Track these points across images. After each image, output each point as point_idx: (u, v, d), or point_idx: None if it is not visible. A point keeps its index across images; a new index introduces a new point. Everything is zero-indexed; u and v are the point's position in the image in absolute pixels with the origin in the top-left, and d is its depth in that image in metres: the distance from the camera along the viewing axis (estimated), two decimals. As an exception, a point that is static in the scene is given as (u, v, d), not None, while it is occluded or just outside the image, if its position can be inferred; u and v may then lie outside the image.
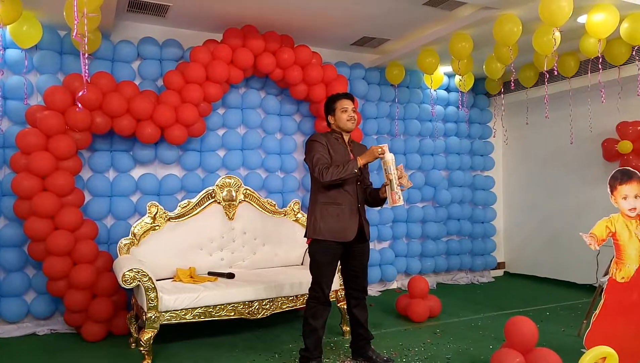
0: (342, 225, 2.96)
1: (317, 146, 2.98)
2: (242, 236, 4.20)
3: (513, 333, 2.89)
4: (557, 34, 3.66)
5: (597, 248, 3.21)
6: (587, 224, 3.34)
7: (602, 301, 3.08)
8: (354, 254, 3.09)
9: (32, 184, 3.55)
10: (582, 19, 3.91)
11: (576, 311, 4.46)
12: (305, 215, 4.35)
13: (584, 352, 2.56)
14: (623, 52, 4.28)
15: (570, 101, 5.18)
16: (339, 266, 3.44)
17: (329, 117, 3.13)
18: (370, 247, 5.35)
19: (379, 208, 5.19)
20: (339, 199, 2.97)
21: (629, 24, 3.82)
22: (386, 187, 2.98)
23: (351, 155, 3.07)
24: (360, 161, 2.90)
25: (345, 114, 3.05)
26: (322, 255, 2.98)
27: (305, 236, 3.11)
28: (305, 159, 3.08)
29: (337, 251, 3.00)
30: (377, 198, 3.11)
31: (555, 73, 4.22)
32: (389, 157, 2.93)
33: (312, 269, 3.04)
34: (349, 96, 3.12)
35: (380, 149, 2.90)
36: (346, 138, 3.13)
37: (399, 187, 2.93)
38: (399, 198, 2.92)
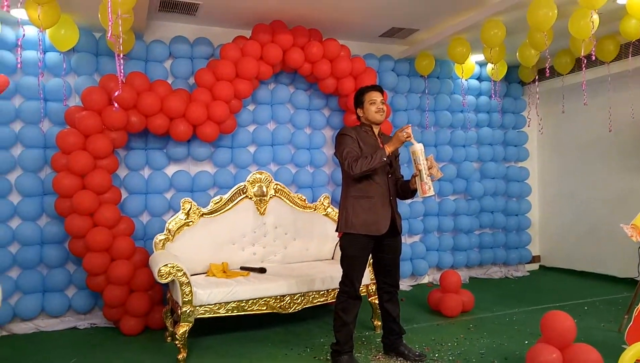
0: (374, 218, 2.95)
1: (346, 140, 2.98)
2: (273, 231, 4.24)
3: (549, 328, 2.82)
4: (595, 17, 3.51)
5: (639, 239, 3.10)
6: (628, 215, 3.22)
7: (644, 296, 2.97)
8: (386, 248, 3.08)
9: (72, 183, 3.68)
10: (622, 0, 3.74)
11: (616, 306, 4.32)
12: (336, 209, 4.36)
13: (625, 348, 2.47)
14: (666, 34, 4.07)
15: (609, 86, 4.98)
16: (370, 260, 3.45)
17: (358, 110, 3.12)
18: (402, 241, 5.36)
19: (411, 200, 5.15)
20: (371, 192, 2.97)
21: (674, 4, 3.63)
22: (416, 178, 2.95)
23: (381, 145, 3.05)
24: (388, 149, 2.88)
25: (373, 106, 3.04)
26: (353, 248, 2.98)
27: (336, 230, 3.11)
28: (335, 154, 3.08)
29: (369, 245, 3.00)
30: (407, 189, 3.10)
31: (593, 58, 4.07)
32: (418, 147, 2.91)
33: (343, 263, 3.05)
34: (377, 88, 3.11)
35: (405, 133, 2.86)
36: (376, 130, 3.12)
37: (429, 177, 2.90)
38: (429, 188, 2.89)
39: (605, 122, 5.08)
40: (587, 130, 5.65)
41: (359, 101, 3.11)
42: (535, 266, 6.26)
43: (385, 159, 2.86)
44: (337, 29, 4.69)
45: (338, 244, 3.10)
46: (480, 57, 5.21)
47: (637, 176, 4.99)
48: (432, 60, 5.19)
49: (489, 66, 5.44)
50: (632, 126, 5.03)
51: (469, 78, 5.63)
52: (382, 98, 3.07)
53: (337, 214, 3.15)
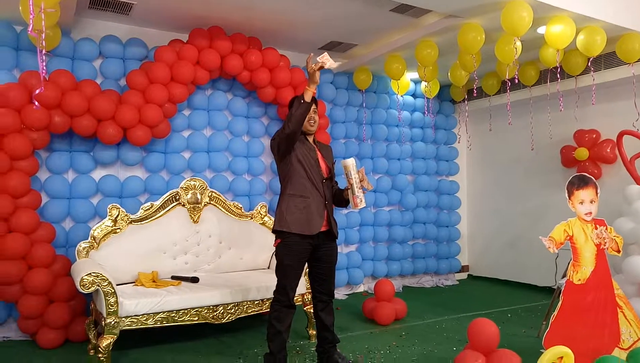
0: (307, 217, 2.94)
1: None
2: (207, 239, 4.13)
3: (475, 334, 2.95)
4: (518, 44, 3.78)
5: (556, 251, 3.32)
6: (547, 227, 3.44)
7: (560, 302, 3.18)
8: (322, 256, 3.08)
9: (-16, 185, 3.39)
10: (541, 30, 4.05)
11: (536, 313, 4.60)
12: (272, 219, 4.32)
13: (543, 352, 2.63)
14: (579, 62, 4.46)
15: (531, 108, 5.36)
16: (305, 269, 3.43)
17: None
18: (338, 251, 5.39)
19: (347, 210, 5.21)
20: (306, 193, 2.97)
21: (585, 36, 3.98)
22: (348, 191, 3.01)
23: (318, 154, 3.07)
24: (308, 90, 2.87)
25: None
26: (288, 256, 2.96)
27: (272, 230, 3.08)
28: (274, 155, 3.06)
29: (305, 253, 2.99)
30: (341, 199, 3.15)
31: (517, 82, 4.37)
32: (350, 162, 2.98)
33: (278, 271, 3.02)
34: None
35: (315, 64, 2.87)
36: (310, 139, 3.13)
37: (360, 190, 2.96)
38: (361, 201, 2.96)
39: (527, 141, 5.45)
40: (511, 148, 6.02)
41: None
42: (464, 276, 6.54)
43: (308, 100, 2.84)
44: (277, 38, 4.70)
45: (274, 253, 3.06)
46: (415, 75, 5.42)
47: (554, 191, 5.38)
48: (370, 75, 5.34)
49: (423, 84, 5.67)
50: (550, 146, 5.43)
51: (404, 94, 5.85)
52: (315, 108, 3.09)
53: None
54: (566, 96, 4.87)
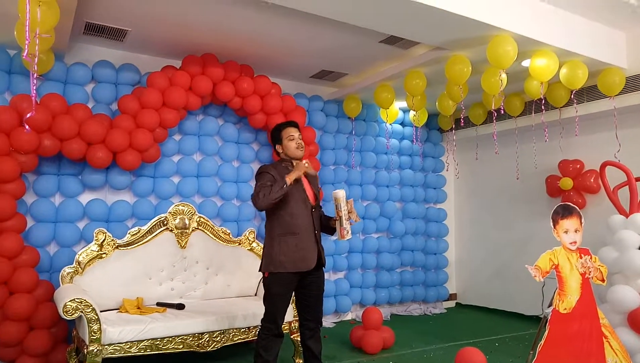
0: (302, 254, 2.93)
1: (264, 177, 2.95)
2: (194, 265, 4.09)
3: (463, 364, 2.93)
4: (504, 76, 3.89)
5: (542, 279, 3.33)
6: (533, 256, 3.47)
7: (546, 332, 3.18)
8: (311, 284, 3.06)
9: (-31, 208, 3.34)
10: (526, 63, 4.18)
11: (524, 342, 4.59)
12: (261, 244, 4.30)
13: (529, 382, 2.62)
14: (563, 95, 4.59)
15: (517, 138, 5.47)
16: (292, 297, 3.40)
17: (277, 147, 3.13)
18: (326, 278, 5.35)
19: (331, 236, 5.23)
20: (295, 228, 2.95)
21: (567, 69, 4.11)
22: (336, 222, 3.02)
23: (305, 181, 3.09)
24: (289, 178, 2.89)
25: (293, 142, 3.07)
26: (278, 287, 2.93)
27: (260, 270, 3.03)
28: None
29: (294, 283, 2.97)
30: (327, 226, 3.14)
31: (502, 112, 4.46)
32: (340, 194, 3.01)
33: (266, 300, 2.98)
34: (294, 124, 3.14)
35: (306, 163, 2.97)
36: None
37: (348, 222, 2.98)
38: (347, 232, 3.00)
39: (513, 170, 5.54)
40: (497, 177, 6.11)
41: (276, 138, 3.12)
42: (452, 304, 6.52)
43: (285, 187, 2.85)
44: (269, 66, 4.78)
45: (262, 281, 3.03)
46: (404, 104, 5.52)
47: (540, 220, 5.44)
48: (359, 103, 5.43)
49: (412, 113, 5.76)
50: (536, 175, 5.52)
51: (393, 123, 5.94)
52: (299, 133, 3.11)
53: (262, 252, 3.07)
54: (551, 127, 4.98)
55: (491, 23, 3.46)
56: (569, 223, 3.34)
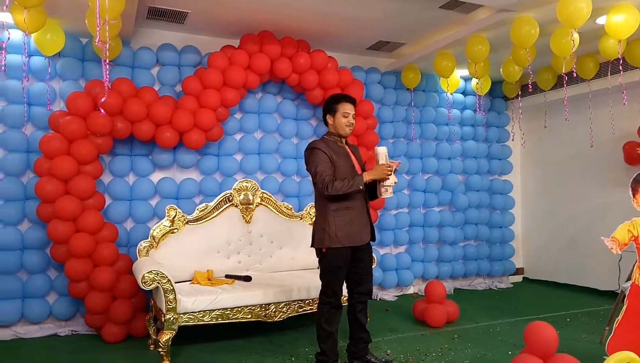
0: (356, 229, 2.97)
1: (318, 155, 2.94)
2: (259, 239, 4.23)
3: (533, 338, 2.85)
4: (576, 36, 3.62)
5: (619, 252, 3.15)
6: (609, 228, 3.28)
7: (624, 307, 3.02)
8: (361, 257, 3.08)
9: (55, 188, 3.63)
10: (601, 20, 3.86)
11: (597, 318, 4.38)
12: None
13: (606, 359, 2.51)
14: (644, 53, 4.21)
15: (590, 103, 5.11)
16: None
17: (328, 116, 3.08)
18: (387, 252, 5.37)
19: (395, 211, 5.19)
20: (349, 204, 2.96)
21: (650, 24, 3.76)
22: (377, 180, 2.97)
23: (352, 157, 3.07)
24: (367, 177, 2.89)
25: (345, 119, 3.02)
26: (337, 260, 2.97)
27: (313, 245, 3.04)
28: (307, 168, 3.03)
29: (349, 256, 3.01)
30: (372, 191, 3.09)
31: (574, 75, 4.18)
32: (382, 150, 2.95)
33: (325, 275, 3.02)
34: (352, 100, 3.08)
35: (388, 170, 2.89)
36: (343, 141, 3.12)
37: (388, 180, 2.93)
38: (386, 190, 2.95)
39: (586, 138, 5.20)
40: (568, 145, 5.77)
41: (331, 108, 3.06)
42: (518, 278, 6.32)
43: (362, 187, 2.87)
44: (324, 41, 4.75)
45: (318, 256, 3.06)
46: (465, 72, 5.31)
47: (616, 190, 5.10)
48: (418, 73, 5.27)
49: (474, 81, 5.53)
50: (612, 142, 5.15)
51: (454, 92, 5.73)
52: (354, 112, 3.06)
53: (313, 228, 3.08)
54: (629, 89, 4.60)
55: (562, -21, 3.22)
56: (650, 192, 3.11)
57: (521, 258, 6.37)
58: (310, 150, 2.99)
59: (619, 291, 3.98)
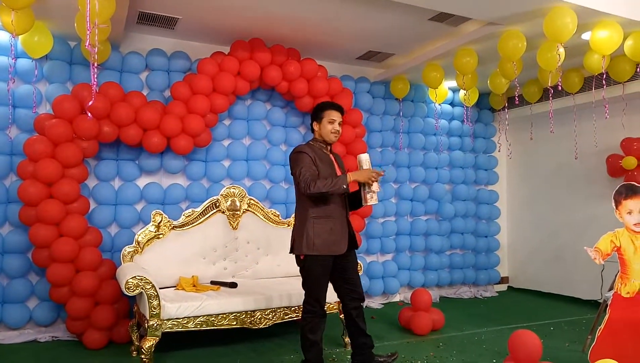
0: (335, 238, 2.95)
1: (303, 158, 2.94)
2: (245, 245, 4.20)
3: (517, 346, 2.87)
4: (562, 50, 3.70)
5: (602, 262, 3.20)
6: (592, 239, 3.33)
7: (607, 316, 3.07)
8: (346, 265, 3.08)
9: (38, 191, 3.58)
10: (586, 36, 3.95)
11: (580, 327, 4.43)
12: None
13: (588, 367, 2.54)
14: (627, 68, 4.31)
15: (575, 116, 5.20)
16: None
17: (314, 124, 3.10)
18: (374, 259, 5.38)
19: (383, 219, 5.19)
20: (330, 212, 2.95)
21: (633, 41, 3.85)
22: (360, 187, 2.99)
23: (335, 164, 3.08)
24: (351, 178, 2.89)
25: (331, 125, 3.03)
26: (317, 267, 2.95)
27: (292, 252, 3.04)
28: (291, 171, 3.02)
29: (330, 263, 2.99)
30: (355, 201, 3.11)
31: (560, 89, 4.26)
32: (364, 157, 2.97)
33: (307, 283, 3.00)
34: (339, 108, 3.10)
35: (375, 175, 2.90)
36: (329, 148, 3.13)
37: (371, 186, 2.94)
38: (371, 197, 2.96)
39: (570, 150, 5.29)
40: (553, 157, 5.86)
41: (317, 116, 3.08)
42: (503, 287, 6.37)
43: (345, 187, 2.85)
44: (315, 49, 4.78)
45: (298, 264, 3.04)
46: (453, 83, 5.37)
47: (600, 202, 5.18)
48: (407, 84, 5.32)
49: (462, 92, 5.61)
50: (595, 155, 5.24)
51: (442, 103, 5.79)
52: (340, 119, 3.08)
53: (292, 234, 3.07)
54: (612, 103, 4.70)
55: (548, -6, 3.29)
56: (633, 204, 3.17)
57: (506, 267, 6.43)
58: (296, 153, 3.00)
59: (601, 301, 4.04)
